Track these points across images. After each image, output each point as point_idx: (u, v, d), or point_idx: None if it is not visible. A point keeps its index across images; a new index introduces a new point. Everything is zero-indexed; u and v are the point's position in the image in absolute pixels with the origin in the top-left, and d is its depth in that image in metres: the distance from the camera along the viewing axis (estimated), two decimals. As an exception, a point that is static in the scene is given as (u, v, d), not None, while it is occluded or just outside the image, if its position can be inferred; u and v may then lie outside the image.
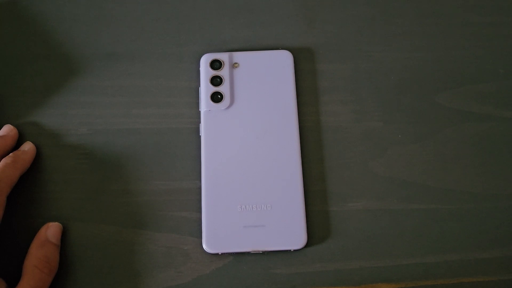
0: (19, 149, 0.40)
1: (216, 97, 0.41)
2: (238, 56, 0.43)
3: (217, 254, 0.38)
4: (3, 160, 0.38)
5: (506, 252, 0.36)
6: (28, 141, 0.41)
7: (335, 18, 0.45)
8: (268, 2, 0.46)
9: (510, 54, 0.44)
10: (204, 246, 0.38)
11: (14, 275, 0.36)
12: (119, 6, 0.45)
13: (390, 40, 0.44)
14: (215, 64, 0.42)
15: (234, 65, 0.42)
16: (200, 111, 0.41)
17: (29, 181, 0.40)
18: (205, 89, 0.41)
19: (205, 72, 0.42)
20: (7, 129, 0.41)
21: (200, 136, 0.41)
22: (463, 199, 0.37)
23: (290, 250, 0.38)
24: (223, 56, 0.42)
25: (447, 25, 0.45)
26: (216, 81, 0.42)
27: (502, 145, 0.41)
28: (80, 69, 0.43)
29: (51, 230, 0.38)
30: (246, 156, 0.40)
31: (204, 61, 0.42)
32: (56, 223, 0.38)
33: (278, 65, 0.42)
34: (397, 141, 0.41)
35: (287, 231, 0.38)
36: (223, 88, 0.41)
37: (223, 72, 0.42)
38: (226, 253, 0.38)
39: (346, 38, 0.44)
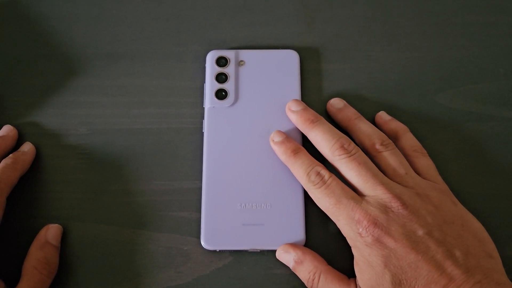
0: (18, 150, 0.40)
1: (221, 94, 0.41)
2: (245, 54, 0.43)
3: (215, 251, 0.38)
4: (3, 161, 0.39)
5: (507, 252, 0.36)
6: (27, 142, 0.41)
7: (335, 18, 0.45)
8: (268, 1, 0.46)
9: (510, 53, 0.44)
10: (202, 242, 0.38)
11: (13, 275, 0.36)
12: (119, 6, 0.45)
13: (390, 39, 0.44)
14: (221, 61, 0.42)
15: (240, 63, 0.42)
16: (204, 108, 0.41)
17: (29, 181, 0.40)
18: (210, 86, 0.41)
19: (210, 68, 0.42)
20: (7, 129, 0.41)
21: (203, 132, 0.40)
22: (463, 199, 0.37)
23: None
24: (229, 54, 0.42)
25: (447, 25, 0.45)
26: (221, 78, 0.42)
27: (502, 145, 0.41)
28: (80, 69, 0.43)
29: (51, 232, 0.38)
30: (248, 154, 0.40)
31: (210, 58, 0.42)
32: (56, 224, 0.38)
33: (284, 65, 0.42)
34: (397, 141, 0.41)
35: (285, 230, 0.38)
36: (228, 86, 0.41)
37: (229, 70, 0.42)
38: (224, 250, 0.38)
39: (346, 38, 0.44)
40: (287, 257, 0.37)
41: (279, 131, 0.39)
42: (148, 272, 0.38)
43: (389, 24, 0.45)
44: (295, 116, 0.40)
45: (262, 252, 0.38)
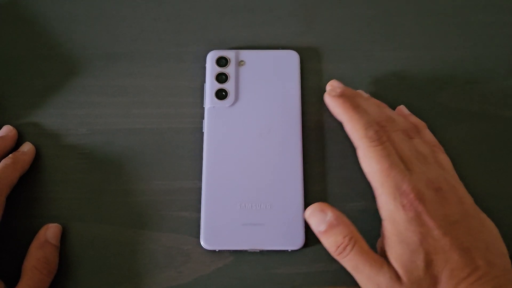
0: (18, 150, 0.40)
1: (221, 94, 0.41)
2: (245, 54, 0.43)
3: (215, 251, 0.38)
4: (3, 161, 0.39)
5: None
6: (27, 142, 0.41)
7: (335, 18, 0.45)
8: (268, 2, 0.46)
9: (510, 53, 0.44)
10: (202, 242, 0.38)
11: (13, 275, 0.36)
12: (119, 6, 0.45)
13: (390, 39, 0.44)
14: (221, 61, 0.42)
15: (240, 63, 0.42)
16: (204, 108, 0.41)
17: (29, 181, 0.40)
18: (210, 86, 0.41)
19: (211, 68, 0.42)
20: (7, 129, 0.41)
21: (203, 132, 0.40)
22: (463, 199, 0.37)
23: (287, 250, 0.38)
24: (229, 54, 0.42)
25: (447, 24, 0.45)
26: (221, 78, 0.42)
27: (502, 145, 0.41)
28: (80, 69, 0.43)
29: (50, 231, 0.38)
30: (248, 154, 0.40)
31: (210, 58, 0.42)
32: (56, 224, 0.38)
33: (284, 65, 0.42)
34: (397, 141, 0.41)
35: (285, 231, 0.38)
36: (228, 86, 0.41)
37: (229, 70, 0.42)
38: (224, 250, 0.38)
39: (346, 38, 0.44)
40: (320, 217, 0.34)
41: (336, 87, 0.39)
42: (148, 272, 0.38)
43: (389, 24, 0.45)
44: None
45: (262, 252, 0.38)
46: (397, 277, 0.32)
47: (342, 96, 0.37)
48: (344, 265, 0.34)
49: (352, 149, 0.41)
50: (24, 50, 0.44)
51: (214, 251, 0.38)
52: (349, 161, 0.41)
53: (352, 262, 0.33)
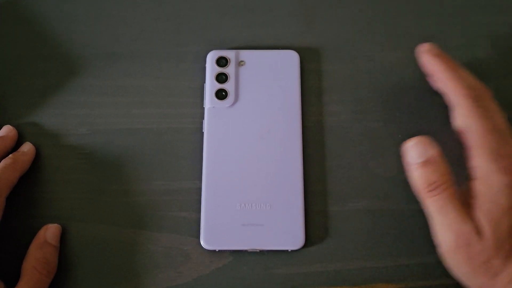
0: (18, 150, 0.40)
1: (221, 94, 0.41)
2: (245, 54, 0.42)
3: (215, 251, 0.38)
4: (3, 161, 0.39)
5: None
6: (27, 142, 0.41)
7: (335, 18, 0.45)
8: (268, 2, 0.46)
9: (510, 54, 0.44)
10: (202, 242, 0.38)
11: (13, 276, 0.36)
12: (119, 6, 0.45)
13: (390, 39, 0.44)
14: (221, 61, 0.42)
15: (240, 63, 0.42)
16: (204, 108, 0.41)
17: (29, 181, 0.40)
18: (210, 86, 0.41)
19: (211, 68, 0.42)
20: (7, 129, 0.41)
21: (203, 132, 0.40)
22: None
23: (287, 251, 0.38)
24: (229, 54, 0.42)
25: (447, 24, 0.45)
26: (221, 78, 0.42)
27: (502, 145, 0.41)
28: (80, 69, 0.43)
29: (50, 232, 0.38)
30: (248, 154, 0.40)
31: (210, 58, 0.42)
32: (55, 224, 0.38)
33: (284, 65, 0.42)
34: (397, 141, 0.41)
35: (285, 231, 0.38)
36: (228, 86, 0.41)
37: (229, 70, 0.42)
38: (224, 250, 0.38)
39: (346, 38, 0.44)
40: (424, 148, 0.34)
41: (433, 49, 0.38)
42: (148, 272, 0.38)
43: (389, 24, 0.45)
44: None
45: (262, 252, 0.38)
46: (480, 231, 0.32)
47: (442, 55, 0.37)
48: (429, 204, 0.33)
49: (351, 149, 0.41)
50: (24, 50, 0.44)
51: (214, 251, 0.38)
52: (349, 161, 0.41)
53: (440, 203, 0.33)
